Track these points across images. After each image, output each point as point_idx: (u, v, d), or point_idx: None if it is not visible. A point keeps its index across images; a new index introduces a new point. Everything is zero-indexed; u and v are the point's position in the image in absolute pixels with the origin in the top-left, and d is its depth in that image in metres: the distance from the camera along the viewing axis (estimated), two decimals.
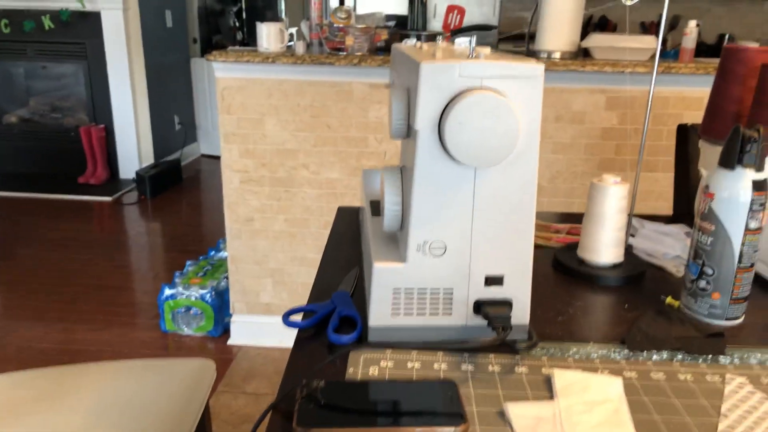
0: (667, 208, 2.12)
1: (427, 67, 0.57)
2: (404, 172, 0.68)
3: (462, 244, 0.64)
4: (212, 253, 2.78)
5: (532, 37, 2.09)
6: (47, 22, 4.06)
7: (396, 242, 0.71)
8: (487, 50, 0.62)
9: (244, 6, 6.01)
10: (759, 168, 0.67)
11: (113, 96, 4.27)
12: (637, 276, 0.85)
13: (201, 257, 2.73)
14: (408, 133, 0.64)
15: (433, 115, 0.59)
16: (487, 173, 0.61)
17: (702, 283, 0.73)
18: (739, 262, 0.70)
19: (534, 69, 0.58)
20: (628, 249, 0.93)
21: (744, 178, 0.68)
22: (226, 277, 2.44)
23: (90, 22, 4.10)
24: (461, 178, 0.61)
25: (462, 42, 0.76)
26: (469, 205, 0.62)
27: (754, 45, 0.79)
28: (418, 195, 0.62)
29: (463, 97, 0.57)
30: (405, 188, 0.66)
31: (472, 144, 0.58)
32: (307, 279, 2.30)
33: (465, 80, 0.58)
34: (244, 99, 2.10)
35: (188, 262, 2.63)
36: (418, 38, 1.99)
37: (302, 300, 2.33)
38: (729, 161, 0.68)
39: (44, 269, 3.01)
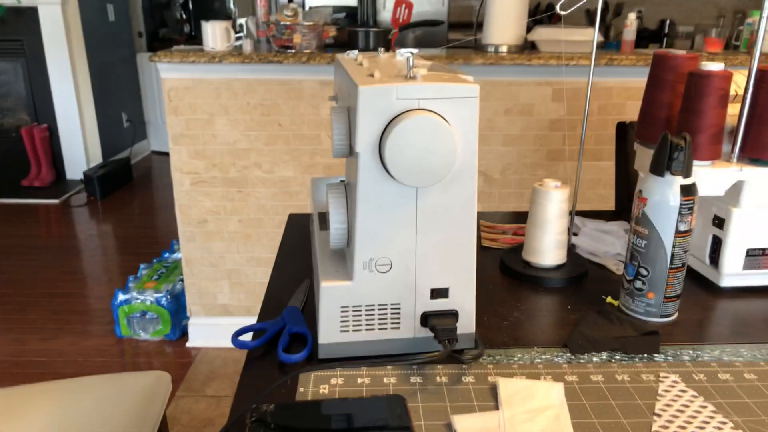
0: (613, 196, 2.20)
1: (365, 91, 0.58)
2: (348, 189, 0.68)
3: (407, 259, 0.65)
4: (166, 254, 2.73)
5: (480, 25, 2.12)
6: None
7: (343, 258, 0.71)
8: (425, 69, 0.63)
9: None
10: (686, 174, 0.71)
11: (55, 94, 4.12)
12: (579, 276, 0.88)
13: (155, 260, 2.69)
14: (350, 152, 0.65)
15: (373, 137, 0.60)
16: (429, 191, 0.62)
17: (638, 284, 0.76)
18: (671, 262, 0.73)
19: (469, 90, 0.59)
20: (571, 248, 0.97)
21: (673, 184, 0.71)
22: (182, 279, 2.41)
23: (27, 18, 3.94)
24: (403, 197, 0.62)
25: (404, 53, 0.77)
26: (412, 223, 0.64)
27: (682, 52, 0.82)
28: (362, 215, 0.63)
29: (401, 119, 0.58)
30: (350, 205, 0.66)
31: (412, 165, 0.59)
32: (264, 279, 2.29)
33: (403, 102, 0.59)
34: (192, 99, 2.06)
35: (142, 266, 2.58)
36: (365, 47, 1.99)
37: (260, 300, 2.32)
38: (658, 168, 0.71)
39: None
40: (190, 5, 5.80)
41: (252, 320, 0.73)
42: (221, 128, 2.10)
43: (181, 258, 2.28)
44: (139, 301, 2.35)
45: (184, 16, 5.61)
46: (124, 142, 4.76)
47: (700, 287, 0.87)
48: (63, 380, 1.20)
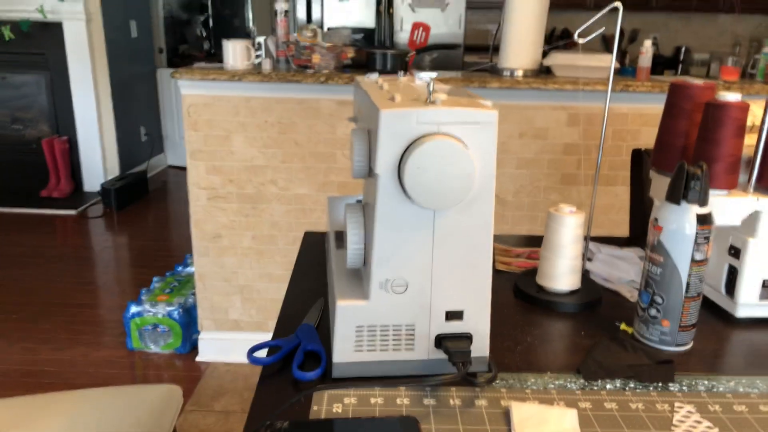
0: (626, 221, 2.19)
1: (386, 115, 0.59)
2: (366, 209, 0.69)
3: (423, 281, 0.66)
4: (179, 268, 2.75)
5: (496, 49, 2.14)
6: (7, 33, 3.97)
7: (359, 277, 0.72)
8: (444, 94, 0.64)
9: (211, 15, 5.97)
10: (702, 203, 0.71)
11: (76, 107, 4.20)
12: (593, 302, 0.88)
13: (168, 273, 2.71)
14: (369, 173, 0.66)
15: (393, 160, 0.61)
16: (446, 214, 0.63)
17: (653, 311, 0.76)
18: (686, 291, 0.73)
19: (488, 115, 0.60)
20: (586, 274, 0.97)
21: (689, 213, 0.71)
22: (194, 294, 2.42)
23: (51, 32, 4.03)
24: (421, 219, 0.63)
25: (423, 77, 0.79)
26: (429, 245, 0.64)
27: (698, 81, 0.83)
28: (380, 235, 0.64)
29: (421, 142, 0.59)
30: (367, 225, 0.67)
31: (431, 188, 0.60)
32: (276, 295, 2.30)
33: (423, 126, 0.60)
34: (211, 116, 2.10)
35: (155, 279, 2.60)
36: (383, 68, 2.01)
37: (271, 316, 2.33)
38: (675, 197, 0.71)
39: (4, 287, 2.94)
40: (210, 23, 5.91)
41: (263, 336, 0.74)
42: (239, 145, 2.13)
43: (194, 272, 2.29)
44: (151, 314, 2.36)
45: (204, 34, 5.71)
46: (141, 156, 4.83)
47: (715, 317, 0.86)
48: (74, 391, 1.21)
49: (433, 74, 0.74)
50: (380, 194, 0.62)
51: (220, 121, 2.10)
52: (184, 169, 2.17)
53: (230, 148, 2.13)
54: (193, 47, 5.59)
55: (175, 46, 5.37)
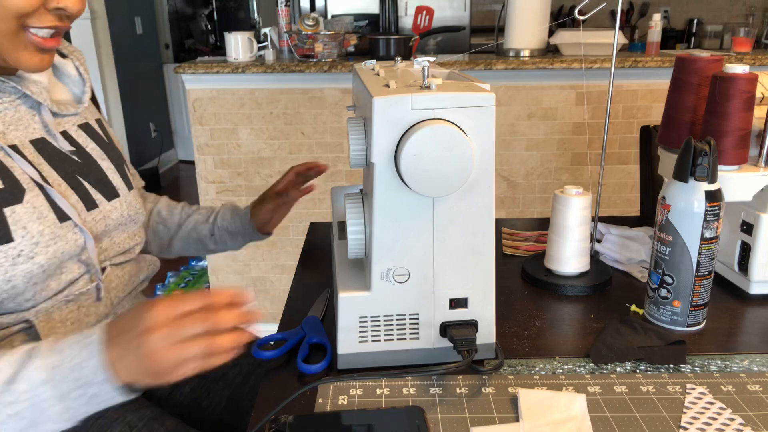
0: (638, 200, 2.16)
1: (379, 102, 0.58)
2: (366, 199, 0.68)
3: (425, 269, 0.65)
4: (193, 263, 2.77)
5: (501, 30, 2.11)
6: None
7: (361, 267, 0.71)
8: (440, 79, 0.63)
9: (215, 8, 5.95)
10: (711, 180, 0.69)
11: None
12: (603, 284, 0.86)
13: (182, 267, 2.72)
14: (367, 162, 0.65)
15: (389, 148, 0.60)
16: (446, 201, 0.62)
17: (663, 292, 0.75)
18: (697, 270, 0.72)
19: (485, 98, 0.59)
20: (595, 255, 0.95)
21: (697, 190, 0.69)
22: (208, 287, 2.44)
23: None
24: (420, 207, 0.62)
25: (422, 62, 0.77)
26: (429, 232, 0.63)
27: (705, 54, 0.80)
28: (379, 225, 0.63)
29: (416, 129, 0.58)
30: (367, 215, 0.66)
31: (428, 175, 0.59)
32: (289, 286, 2.30)
33: (418, 113, 0.59)
34: (216, 109, 2.09)
35: (169, 274, 2.62)
36: (386, 54, 1.99)
37: None
38: (682, 174, 0.70)
39: None
40: (215, 16, 5.89)
41: (278, 328, 0.74)
42: (245, 137, 2.12)
43: (207, 266, 2.30)
44: None
45: (209, 27, 5.70)
46: (152, 152, 4.85)
47: (728, 295, 0.84)
48: None
49: (431, 58, 0.73)
50: (377, 183, 0.61)
51: (225, 114, 2.09)
52: (194, 163, 2.17)
53: (237, 141, 2.12)
54: (199, 41, 5.58)
55: (181, 41, 5.37)
